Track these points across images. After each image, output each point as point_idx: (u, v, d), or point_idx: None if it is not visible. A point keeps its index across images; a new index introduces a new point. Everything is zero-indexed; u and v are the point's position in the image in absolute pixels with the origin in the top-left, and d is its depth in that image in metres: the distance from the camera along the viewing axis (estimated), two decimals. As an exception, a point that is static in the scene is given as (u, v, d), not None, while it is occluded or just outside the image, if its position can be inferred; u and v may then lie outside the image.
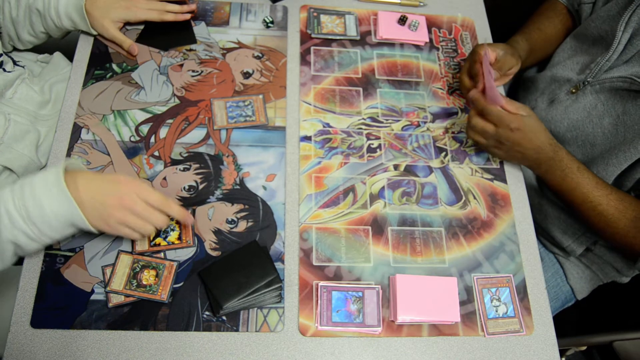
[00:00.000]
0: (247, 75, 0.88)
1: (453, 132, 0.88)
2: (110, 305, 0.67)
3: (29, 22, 0.81)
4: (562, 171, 0.76)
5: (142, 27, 0.90)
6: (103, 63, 0.86)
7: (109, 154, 0.77)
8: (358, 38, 0.95)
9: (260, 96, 0.86)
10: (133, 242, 0.71)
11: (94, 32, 0.85)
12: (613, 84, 0.79)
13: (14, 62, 0.82)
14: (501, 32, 0.98)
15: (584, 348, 0.99)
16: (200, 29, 0.92)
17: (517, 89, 1.01)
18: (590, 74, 0.82)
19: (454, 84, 0.93)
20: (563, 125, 0.85)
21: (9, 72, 0.79)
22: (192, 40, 0.90)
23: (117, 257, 0.70)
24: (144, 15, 0.86)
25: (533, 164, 0.79)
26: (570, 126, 0.84)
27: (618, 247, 0.82)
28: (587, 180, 0.76)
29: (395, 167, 0.83)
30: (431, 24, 0.99)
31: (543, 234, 0.93)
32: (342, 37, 0.94)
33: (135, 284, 0.68)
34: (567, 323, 0.93)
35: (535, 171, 0.80)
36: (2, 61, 0.78)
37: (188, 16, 0.90)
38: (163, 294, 0.68)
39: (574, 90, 0.84)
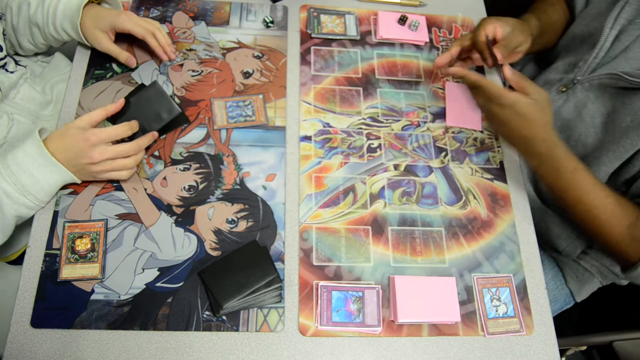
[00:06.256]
0: (247, 75, 0.88)
1: (453, 132, 0.88)
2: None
3: (29, 32, 0.81)
4: (555, 170, 0.72)
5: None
6: (103, 63, 0.86)
7: (109, 154, 0.78)
8: (358, 38, 0.95)
9: (260, 96, 0.86)
10: None
11: (89, 45, 0.83)
12: (601, 80, 0.78)
13: (16, 62, 0.82)
14: (501, 32, 0.98)
15: (584, 348, 0.99)
16: (200, 29, 0.92)
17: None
18: (579, 72, 0.82)
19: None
20: (556, 125, 0.85)
21: (11, 72, 0.79)
22: (186, 121, 0.83)
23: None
24: (129, 26, 0.81)
25: (524, 154, 0.75)
26: (563, 126, 0.84)
27: (611, 254, 0.78)
28: (583, 182, 0.71)
29: (395, 167, 0.83)
30: (431, 24, 0.99)
31: (542, 237, 0.92)
32: (342, 37, 0.94)
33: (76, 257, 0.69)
34: (567, 323, 0.93)
35: (528, 163, 0.76)
36: (5, 62, 0.78)
37: (165, 57, 0.86)
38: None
39: (563, 89, 0.84)
